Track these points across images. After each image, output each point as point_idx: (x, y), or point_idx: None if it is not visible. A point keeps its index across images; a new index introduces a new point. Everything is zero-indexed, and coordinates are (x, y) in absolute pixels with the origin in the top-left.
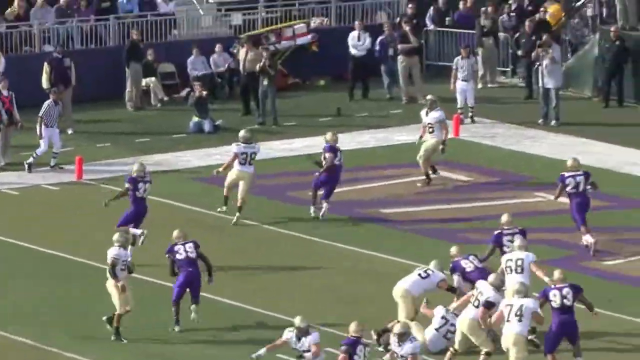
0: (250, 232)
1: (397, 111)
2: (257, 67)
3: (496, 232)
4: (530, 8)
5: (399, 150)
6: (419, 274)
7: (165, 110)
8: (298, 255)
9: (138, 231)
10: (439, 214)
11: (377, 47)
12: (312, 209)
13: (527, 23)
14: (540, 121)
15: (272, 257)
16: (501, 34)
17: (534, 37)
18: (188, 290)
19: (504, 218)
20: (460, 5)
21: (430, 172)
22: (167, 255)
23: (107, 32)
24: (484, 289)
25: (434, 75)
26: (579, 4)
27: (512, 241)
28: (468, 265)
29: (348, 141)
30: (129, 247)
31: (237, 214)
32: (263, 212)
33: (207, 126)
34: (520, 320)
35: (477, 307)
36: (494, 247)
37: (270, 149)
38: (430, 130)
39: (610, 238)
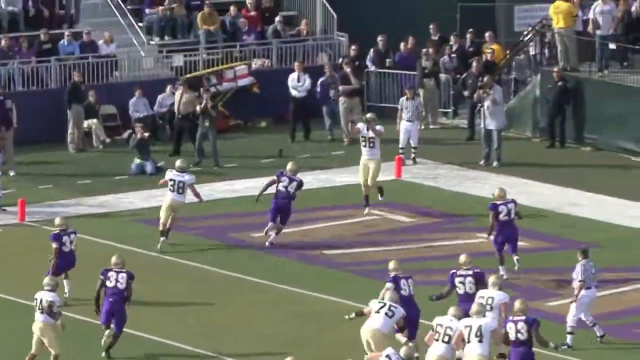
0: (190, 273)
1: (339, 152)
2: (198, 109)
3: (451, 272)
4: (471, 49)
5: (342, 192)
6: (386, 314)
7: (107, 152)
8: (237, 295)
9: (66, 288)
10: (381, 255)
11: (318, 89)
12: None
13: (474, 64)
14: (481, 162)
15: (213, 297)
16: (442, 75)
17: (480, 78)
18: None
19: (462, 258)
20: (401, 47)
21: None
22: (100, 276)
23: (48, 74)
24: (454, 324)
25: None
26: (519, 43)
27: (463, 283)
28: (404, 286)
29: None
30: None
31: (162, 238)
32: (204, 253)
33: (149, 168)
34: (480, 341)
35: (447, 342)
36: (451, 289)
37: (213, 190)
38: (372, 144)
39: (551, 278)
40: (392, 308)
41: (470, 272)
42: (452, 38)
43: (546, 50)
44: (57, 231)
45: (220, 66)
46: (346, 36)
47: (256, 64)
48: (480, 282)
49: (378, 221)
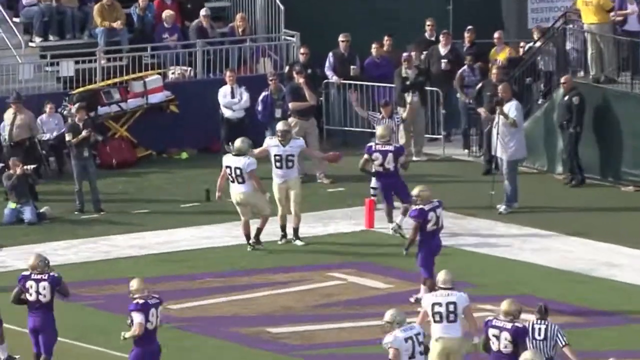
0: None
1: None
2: (69, 137)
3: (486, 320)
4: (470, 52)
5: (292, 247)
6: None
7: None
8: None
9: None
10: (345, 336)
11: (259, 107)
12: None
13: (493, 70)
14: (498, 207)
15: None
16: (461, 96)
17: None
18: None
19: (504, 306)
20: (372, 50)
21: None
22: (18, 284)
23: None
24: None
25: (338, 144)
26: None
27: (498, 337)
28: None
29: (221, 235)
30: None
31: (251, 243)
32: (108, 335)
33: (27, 214)
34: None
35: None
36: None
37: (114, 245)
38: (290, 164)
39: None
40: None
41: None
42: (441, 37)
43: (576, 53)
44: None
45: (125, 76)
46: (297, 35)
47: (174, 73)
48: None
49: (341, 287)
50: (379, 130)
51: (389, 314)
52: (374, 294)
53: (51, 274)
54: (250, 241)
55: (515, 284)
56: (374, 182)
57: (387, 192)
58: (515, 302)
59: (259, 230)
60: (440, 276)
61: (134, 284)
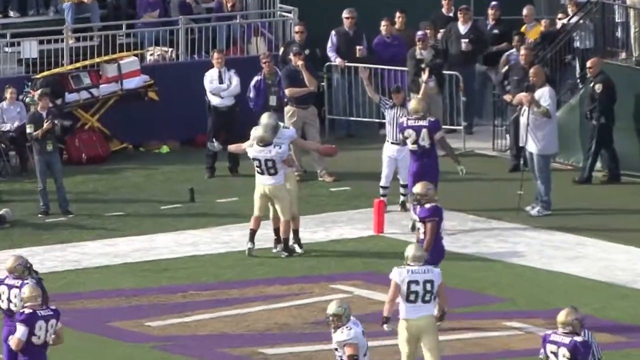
0: None
1: None
2: (29, 129)
3: (544, 334)
4: (495, 31)
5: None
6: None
7: None
8: None
9: None
10: None
11: (252, 94)
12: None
13: (522, 51)
14: (527, 209)
15: None
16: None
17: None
18: None
19: (560, 317)
20: (382, 28)
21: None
22: None
23: None
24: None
25: (342, 137)
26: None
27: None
28: None
29: (208, 241)
30: None
31: (249, 245)
32: (73, 351)
33: None
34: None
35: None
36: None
37: (84, 253)
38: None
39: None
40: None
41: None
42: (459, 14)
43: (617, 31)
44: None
45: (97, 59)
46: (294, 11)
47: (153, 55)
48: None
49: (346, 300)
50: (412, 103)
51: (335, 306)
52: (382, 308)
53: (25, 282)
54: (276, 248)
55: (547, 297)
56: (383, 180)
57: (418, 177)
58: (573, 311)
59: (288, 237)
60: (410, 251)
61: (25, 290)
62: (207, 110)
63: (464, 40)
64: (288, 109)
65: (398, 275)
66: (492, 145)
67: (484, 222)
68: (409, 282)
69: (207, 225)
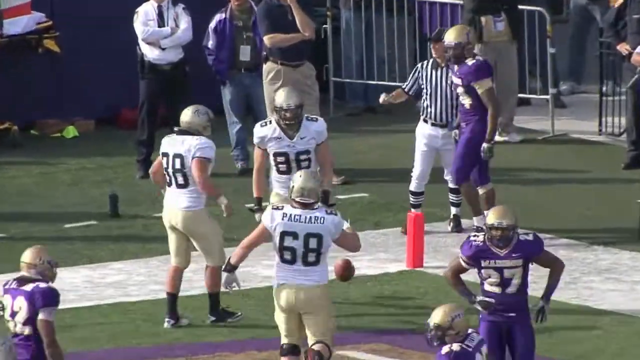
0: None
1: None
2: None
3: None
4: None
5: (267, 295)
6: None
7: None
8: None
9: None
10: None
11: (211, 42)
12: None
13: None
14: None
15: None
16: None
17: None
18: None
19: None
20: None
21: None
22: None
23: None
24: None
25: (356, 114)
26: None
27: None
28: None
29: (140, 280)
30: None
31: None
32: None
33: None
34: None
35: None
36: None
37: None
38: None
39: None
40: None
41: None
42: None
43: None
44: None
45: None
46: None
47: None
48: None
49: None
50: (448, 33)
51: None
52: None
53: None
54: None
55: None
56: (414, 183)
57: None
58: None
59: None
60: (297, 182)
61: None
62: (140, 69)
63: None
64: (269, 67)
65: (270, 219)
66: (598, 126)
67: (586, 248)
68: (282, 234)
69: (139, 253)
